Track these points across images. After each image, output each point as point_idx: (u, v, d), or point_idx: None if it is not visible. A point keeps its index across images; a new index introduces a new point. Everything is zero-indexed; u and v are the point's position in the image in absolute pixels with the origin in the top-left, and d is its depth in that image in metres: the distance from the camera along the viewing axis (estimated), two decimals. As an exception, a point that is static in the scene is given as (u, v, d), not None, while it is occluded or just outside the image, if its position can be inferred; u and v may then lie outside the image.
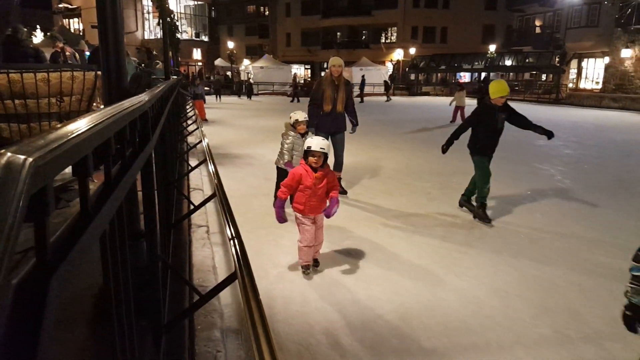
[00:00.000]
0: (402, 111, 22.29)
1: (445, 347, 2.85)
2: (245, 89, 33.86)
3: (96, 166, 0.88)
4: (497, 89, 5.24)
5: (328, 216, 3.86)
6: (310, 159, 3.78)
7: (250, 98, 31.50)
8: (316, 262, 3.98)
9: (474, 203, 5.55)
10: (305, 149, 3.84)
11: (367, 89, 30.66)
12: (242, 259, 1.92)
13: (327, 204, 3.90)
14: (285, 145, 5.41)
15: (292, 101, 28.26)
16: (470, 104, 14.36)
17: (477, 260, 4.21)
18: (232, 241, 2.15)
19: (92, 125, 0.80)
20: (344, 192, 6.26)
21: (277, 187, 5.44)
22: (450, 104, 16.68)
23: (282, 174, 5.34)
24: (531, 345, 2.89)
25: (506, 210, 5.82)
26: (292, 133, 5.37)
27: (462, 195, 5.76)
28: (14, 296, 0.51)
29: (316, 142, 3.78)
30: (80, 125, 0.76)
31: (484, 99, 5.54)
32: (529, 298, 3.50)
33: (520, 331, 3.04)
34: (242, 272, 1.85)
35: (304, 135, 5.29)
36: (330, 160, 4.37)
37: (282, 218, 3.83)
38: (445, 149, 5.53)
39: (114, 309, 1.22)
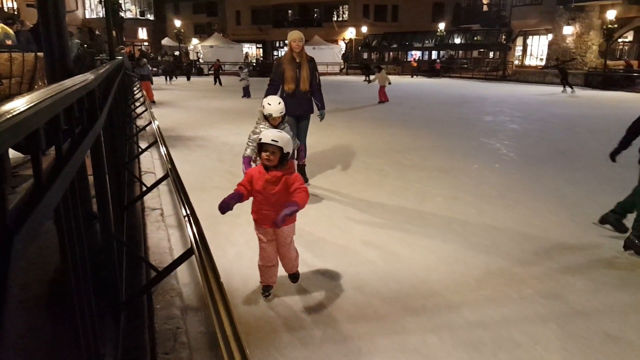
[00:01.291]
0: (355, 90, 22.44)
1: (398, 311, 3.01)
2: (185, 69, 31.52)
3: (47, 145, 0.90)
4: None
5: (276, 225, 2.82)
6: (263, 154, 2.92)
7: (189, 79, 29.11)
8: (294, 277, 3.34)
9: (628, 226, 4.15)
10: (258, 142, 3.00)
11: (320, 68, 30.54)
12: (198, 234, 1.97)
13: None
14: (252, 136, 4.50)
15: (215, 84, 25.06)
16: (400, 82, 14.56)
17: (427, 231, 4.40)
18: (187, 219, 2.18)
19: (41, 99, 0.83)
20: (305, 180, 5.61)
21: None
22: (369, 82, 16.96)
23: None
24: (476, 305, 3.10)
25: (454, 183, 6.07)
26: (264, 124, 4.45)
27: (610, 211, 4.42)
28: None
29: (270, 134, 2.93)
30: (30, 100, 0.79)
31: None
32: (474, 264, 3.71)
33: (466, 293, 3.25)
34: (198, 247, 1.90)
35: (277, 127, 4.31)
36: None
37: (224, 204, 2.84)
38: (614, 157, 4.31)
39: (73, 286, 1.24)
